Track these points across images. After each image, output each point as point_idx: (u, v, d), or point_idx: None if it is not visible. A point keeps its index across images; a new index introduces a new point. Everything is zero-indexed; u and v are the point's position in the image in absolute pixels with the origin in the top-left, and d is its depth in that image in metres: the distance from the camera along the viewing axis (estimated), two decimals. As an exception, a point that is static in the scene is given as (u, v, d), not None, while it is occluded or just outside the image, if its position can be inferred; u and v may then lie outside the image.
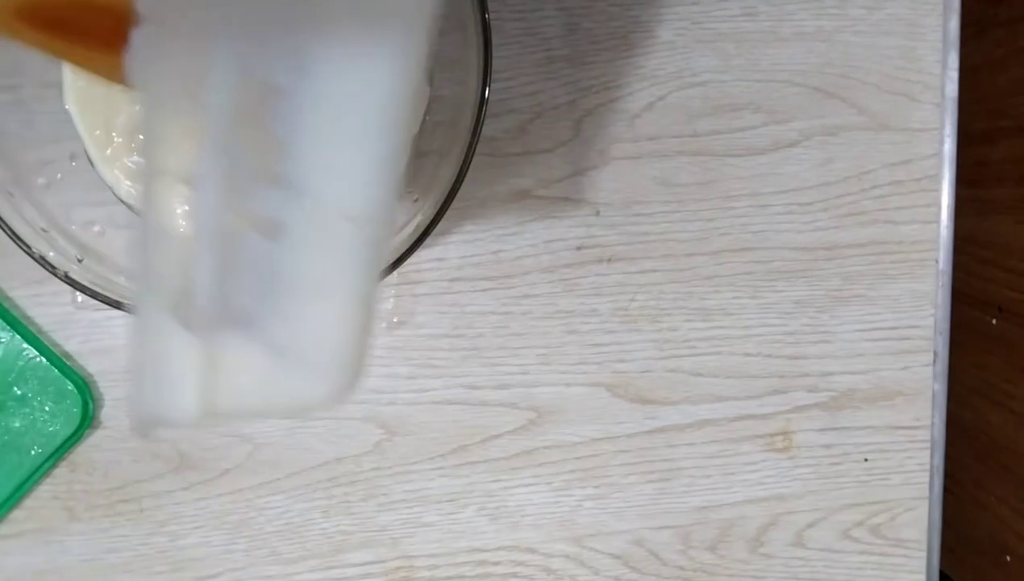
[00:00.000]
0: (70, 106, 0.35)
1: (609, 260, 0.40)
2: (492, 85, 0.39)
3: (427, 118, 0.35)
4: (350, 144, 0.19)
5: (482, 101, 0.32)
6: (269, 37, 0.18)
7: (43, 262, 0.31)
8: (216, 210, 0.19)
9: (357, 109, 0.19)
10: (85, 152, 0.35)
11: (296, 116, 0.19)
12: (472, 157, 0.31)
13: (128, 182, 0.36)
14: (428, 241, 0.33)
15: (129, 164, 0.36)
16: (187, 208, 0.19)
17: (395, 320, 0.40)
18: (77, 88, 0.35)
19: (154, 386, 0.19)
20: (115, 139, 0.36)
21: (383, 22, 0.18)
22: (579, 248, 0.40)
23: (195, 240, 0.19)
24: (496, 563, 0.42)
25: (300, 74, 0.18)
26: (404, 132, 0.19)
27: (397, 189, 0.20)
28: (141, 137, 0.35)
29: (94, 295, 0.31)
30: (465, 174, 0.31)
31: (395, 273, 0.33)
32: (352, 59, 0.18)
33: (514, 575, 0.42)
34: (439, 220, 0.32)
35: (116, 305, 0.31)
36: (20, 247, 0.31)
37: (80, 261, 0.32)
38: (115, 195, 0.36)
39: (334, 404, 0.20)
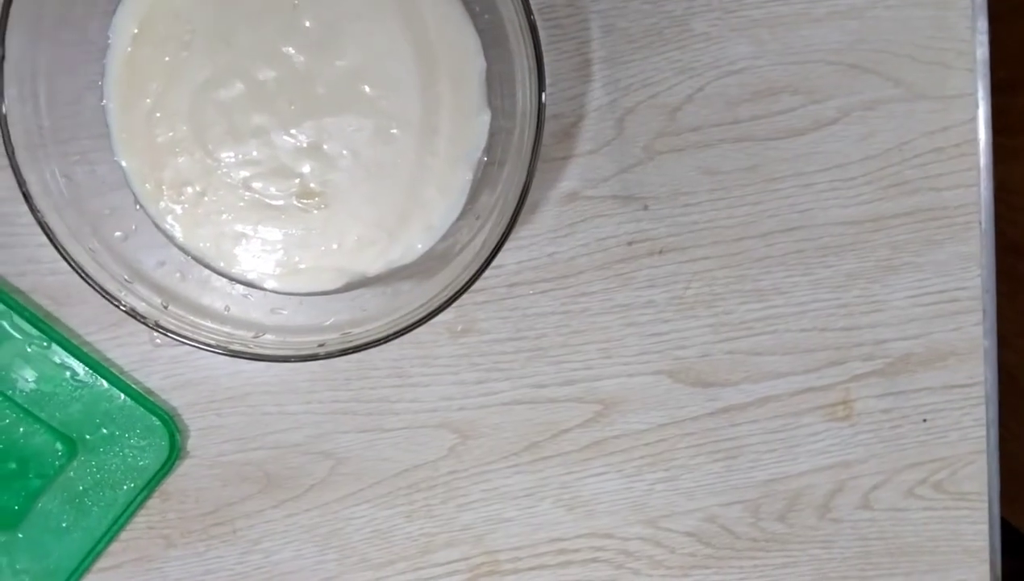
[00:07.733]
0: (121, 160, 0.36)
1: (660, 252, 0.41)
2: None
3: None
4: None
5: (540, 107, 0.32)
6: None
7: (134, 314, 0.32)
8: None
9: None
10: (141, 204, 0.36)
11: None
12: (535, 167, 0.32)
13: (180, 230, 0.36)
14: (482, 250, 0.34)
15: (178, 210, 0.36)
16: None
17: (459, 329, 0.41)
18: (122, 141, 0.36)
19: None
20: (164, 191, 0.36)
21: None
22: (630, 243, 0.41)
23: None
24: (576, 550, 0.44)
25: None
26: None
27: None
28: (188, 189, 0.36)
29: (183, 340, 0.33)
30: (530, 185, 0.32)
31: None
32: None
33: (594, 560, 0.44)
34: (508, 235, 0.32)
35: (206, 347, 0.33)
36: (111, 302, 0.32)
37: (166, 307, 0.34)
38: (174, 244, 0.37)
39: None
